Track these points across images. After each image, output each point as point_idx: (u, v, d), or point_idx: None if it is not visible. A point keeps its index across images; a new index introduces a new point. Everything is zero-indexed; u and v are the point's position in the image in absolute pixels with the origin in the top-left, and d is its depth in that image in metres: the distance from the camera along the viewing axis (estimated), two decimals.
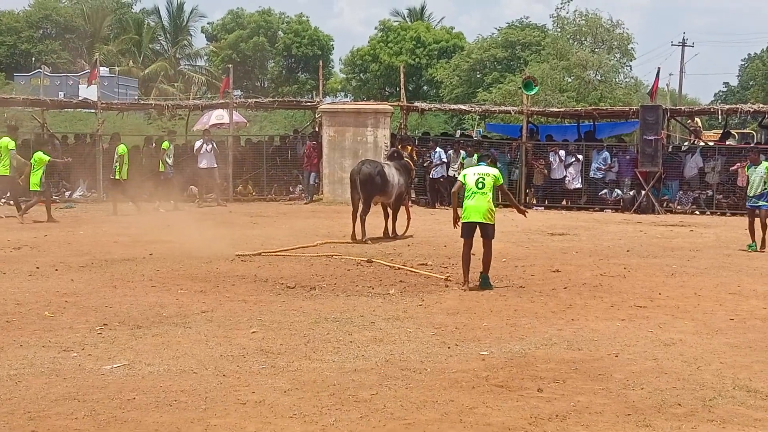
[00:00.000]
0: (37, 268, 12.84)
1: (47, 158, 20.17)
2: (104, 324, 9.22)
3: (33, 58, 61.85)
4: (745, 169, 17.17)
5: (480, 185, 11.54)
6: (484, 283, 11.49)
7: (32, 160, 20.07)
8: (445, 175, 25.54)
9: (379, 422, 6.19)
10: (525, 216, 12.97)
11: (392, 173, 16.98)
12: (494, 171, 11.80)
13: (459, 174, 13.21)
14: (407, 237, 17.12)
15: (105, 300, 10.53)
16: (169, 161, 24.11)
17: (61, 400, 6.62)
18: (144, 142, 28.01)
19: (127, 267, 13.07)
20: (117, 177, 22.40)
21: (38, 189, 20.11)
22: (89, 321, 9.38)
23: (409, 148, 19.43)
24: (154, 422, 6.14)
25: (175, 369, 7.49)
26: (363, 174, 16.52)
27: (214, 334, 8.78)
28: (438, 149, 25.82)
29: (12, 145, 20.34)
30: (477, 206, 11.51)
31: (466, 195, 11.65)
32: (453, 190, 12.25)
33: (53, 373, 7.35)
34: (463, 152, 25.50)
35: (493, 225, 11.62)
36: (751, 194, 16.49)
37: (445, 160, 25.74)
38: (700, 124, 32.53)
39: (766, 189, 16.24)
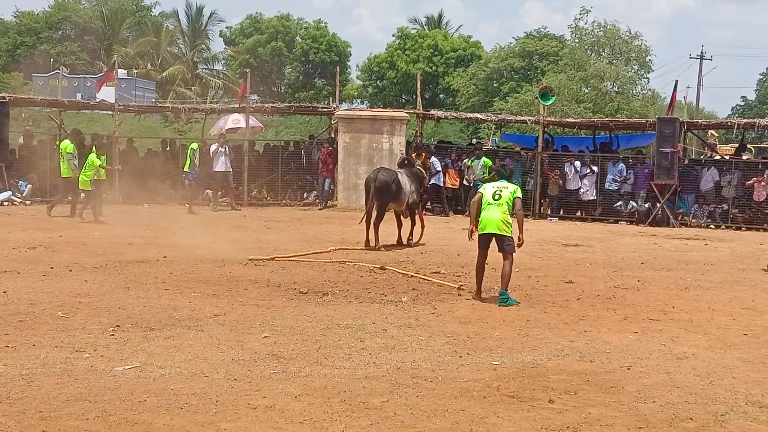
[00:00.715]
0: (51, 268, 12.89)
1: (98, 162, 20.53)
2: (117, 325, 9.24)
3: (51, 59, 62.07)
4: None
5: (496, 197, 11.51)
6: (502, 300, 11.25)
7: (86, 162, 20.57)
8: (439, 184, 25.56)
9: (390, 430, 6.19)
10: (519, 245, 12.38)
11: (405, 181, 16.99)
12: (513, 186, 11.77)
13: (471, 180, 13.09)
14: (420, 245, 17.10)
15: (118, 301, 10.56)
16: (196, 162, 24.22)
17: (73, 400, 6.64)
18: (161, 145, 28.23)
19: (140, 269, 13.11)
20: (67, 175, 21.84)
21: (88, 188, 20.52)
22: (102, 322, 9.41)
23: (423, 155, 19.41)
24: (165, 425, 6.15)
25: (187, 372, 7.50)
26: (379, 182, 16.52)
27: (226, 338, 8.79)
28: (432, 158, 25.56)
29: (71, 148, 21.39)
30: (491, 218, 11.48)
31: (482, 207, 11.63)
32: (472, 201, 12.25)
33: (65, 373, 7.37)
34: (472, 157, 25.61)
35: (511, 238, 11.55)
36: None
37: (439, 169, 25.67)
38: (716, 136, 32.44)
39: None
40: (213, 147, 25.61)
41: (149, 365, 7.69)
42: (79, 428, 6.05)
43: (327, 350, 8.42)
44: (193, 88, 61.12)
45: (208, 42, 72.95)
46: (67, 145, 21.49)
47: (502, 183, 11.80)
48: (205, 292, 11.38)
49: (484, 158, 25.39)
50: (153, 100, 54.99)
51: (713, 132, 34.30)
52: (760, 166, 25.18)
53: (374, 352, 8.40)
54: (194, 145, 24.30)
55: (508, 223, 11.50)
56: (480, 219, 11.64)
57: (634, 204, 25.34)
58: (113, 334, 8.84)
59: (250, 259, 14.30)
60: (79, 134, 23.51)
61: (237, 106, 29.67)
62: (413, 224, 17.45)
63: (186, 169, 24.39)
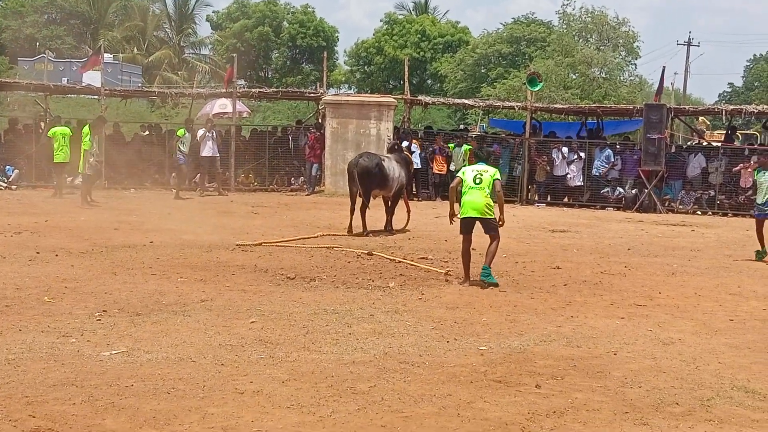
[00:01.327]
0: (38, 253, 12.85)
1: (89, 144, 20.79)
2: (103, 310, 9.22)
3: (37, 43, 61.74)
4: (755, 173, 16.35)
5: (477, 181, 11.50)
6: (484, 275, 11.31)
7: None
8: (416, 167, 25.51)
9: (377, 414, 6.19)
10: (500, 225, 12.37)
11: (392, 166, 16.85)
12: (492, 169, 11.76)
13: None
14: (406, 231, 17.05)
15: (105, 286, 10.54)
16: (184, 149, 23.92)
17: (59, 385, 6.62)
18: (140, 129, 28.35)
19: (127, 254, 13.08)
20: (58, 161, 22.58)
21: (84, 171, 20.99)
22: (88, 307, 9.38)
23: (415, 141, 19.32)
24: (152, 409, 6.14)
25: (174, 357, 7.49)
26: (360, 167, 16.46)
27: (213, 323, 8.78)
28: (405, 142, 25.25)
29: (66, 131, 22.37)
30: (473, 202, 11.47)
31: (463, 191, 11.61)
32: (451, 185, 12.23)
33: (52, 358, 7.35)
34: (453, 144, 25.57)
35: (494, 219, 11.56)
36: (760, 202, 15.48)
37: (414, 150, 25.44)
38: (708, 123, 32.52)
39: None
40: (200, 132, 25.48)
41: (136, 350, 7.67)
42: (65, 413, 6.04)
43: (314, 335, 8.42)
44: (179, 72, 60.84)
45: (195, 26, 72.69)
46: (65, 130, 22.38)
47: (481, 166, 11.78)
48: (191, 277, 11.36)
49: (465, 145, 25.14)
50: (139, 84, 54.75)
51: (704, 119, 34.40)
52: (746, 153, 25.24)
53: (361, 338, 8.40)
54: (180, 132, 24.07)
55: (491, 206, 11.51)
56: (462, 203, 11.63)
57: (621, 190, 25.38)
58: (100, 319, 8.82)
59: (237, 245, 14.28)
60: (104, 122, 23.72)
61: (224, 91, 29.55)
62: (391, 213, 17.24)
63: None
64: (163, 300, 9.88)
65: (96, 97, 29.67)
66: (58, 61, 59.24)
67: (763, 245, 15.31)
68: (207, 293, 10.33)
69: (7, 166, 25.48)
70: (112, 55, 57.08)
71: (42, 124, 26.89)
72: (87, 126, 21.42)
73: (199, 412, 6.12)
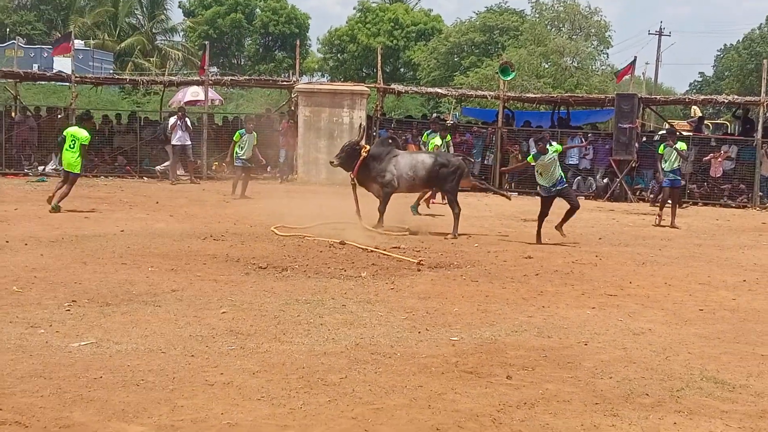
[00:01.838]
0: (7, 242, 12.71)
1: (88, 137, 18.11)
2: (73, 300, 9.14)
3: (7, 29, 61.11)
4: (660, 147, 19.25)
5: None
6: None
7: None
8: None
9: (348, 406, 6.17)
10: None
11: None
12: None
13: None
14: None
15: (74, 276, 10.45)
16: (241, 153, 22.66)
17: (27, 377, 6.56)
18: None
19: (97, 243, 12.96)
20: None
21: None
22: (58, 297, 9.30)
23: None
24: (121, 401, 6.09)
25: (144, 348, 7.43)
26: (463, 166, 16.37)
27: (184, 314, 8.73)
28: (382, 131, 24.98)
29: (80, 135, 18.94)
30: None
31: None
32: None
33: (20, 349, 7.27)
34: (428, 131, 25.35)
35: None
36: (668, 169, 18.62)
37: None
38: (701, 114, 32.65)
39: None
40: (171, 120, 25.36)
41: (105, 341, 7.61)
42: (33, 405, 5.97)
43: (285, 326, 8.39)
44: (151, 59, 60.35)
45: (167, 13, 72.10)
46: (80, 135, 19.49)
47: None
48: (162, 266, 11.28)
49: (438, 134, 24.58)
50: (111, 71, 54.28)
51: (696, 108, 34.50)
52: (713, 142, 25.45)
53: (333, 328, 8.38)
54: (237, 136, 21.99)
55: None
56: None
57: (592, 180, 25.50)
58: (69, 310, 8.75)
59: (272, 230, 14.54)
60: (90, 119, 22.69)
61: (196, 78, 29.39)
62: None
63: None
64: (134, 290, 9.81)
65: (67, 84, 29.38)
66: (29, 48, 58.59)
67: (662, 213, 18.47)
68: (178, 283, 10.27)
69: None
70: (83, 42, 56.51)
71: (12, 113, 26.65)
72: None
73: (168, 404, 6.07)
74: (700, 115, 32.54)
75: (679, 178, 19.02)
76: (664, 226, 18.17)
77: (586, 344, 8.15)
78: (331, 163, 16.06)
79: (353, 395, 6.41)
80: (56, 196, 16.83)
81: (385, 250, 13.25)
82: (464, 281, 11.07)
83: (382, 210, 15.56)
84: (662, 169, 18.68)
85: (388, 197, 15.69)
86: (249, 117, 24.60)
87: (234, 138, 21.71)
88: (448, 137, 22.63)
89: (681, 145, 18.77)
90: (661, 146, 18.95)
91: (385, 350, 7.65)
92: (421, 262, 12.29)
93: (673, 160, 18.44)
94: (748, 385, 7.03)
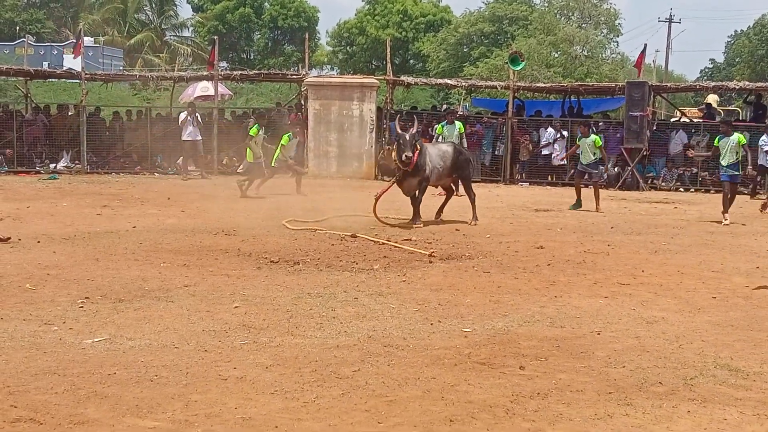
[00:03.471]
0: (19, 239, 12.75)
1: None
2: (86, 297, 9.17)
3: (17, 27, 61.23)
4: (577, 139, 19.69)
5: None
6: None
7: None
8: None
9: (361, 399, 6.18)
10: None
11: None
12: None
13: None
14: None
15: (87, 273, 10.48)
16: (289, 155, 22.50)
17: (41, 374, 6.58)
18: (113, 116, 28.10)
19: (109, 240, 13.00)
20: None
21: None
22: (71, 294, 9.33)
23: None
24: (135, 397, 6.11)
25: (157, 344, 7.45)
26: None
27: (197, 309, 8.75)
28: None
29: (253, 131, 21.02)
30: None
31: None
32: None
33: (33, 346, 7.30)
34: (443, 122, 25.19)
35: None
36: (585, 162, 19.33)
37: None
38: (718, 100, 32.47)
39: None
40: (182, 115, 25.39)
41: (118, 337, 7.63)
42: (47, 402, 6.00)
43: (298, 320, 8.40)
44: (161, 55, 60.41)
45: (176, 9, 72.15)
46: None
47: None
48: (175, 262, 11.30)
49: (458, 123, 24.44)
50: (120, 68, 54.36)
51: (715, 96, 34.30)
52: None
53: (345, 321, 8.39)
54: (285, 139, 21.64)
55: None
56: None
57: (604, 172, 25.40)
58: (82, 307, 8.77)
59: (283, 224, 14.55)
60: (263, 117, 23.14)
61: (206, 73, 29.40)
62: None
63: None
64: (146, 286, 9.83)
65: (77, 81, 29.44)
66: (39, 46, 58.76)
67: (579, 197, 19.14)
68: (190, 278, 10.29)
69: None
70: (92, 39, 56.61)
71: (24, 111, 26.72)
72: None
73: (182, 400, 6.09)
74: (718, 101, 32.33)
75: (738, 173, 17.28)
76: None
77: (598, 334, 8.13)
78: (402, 161, 15.14)
79: (366, 388, 6.41)
80: None
81: (396, 242, 13.24)
82: (476, 272, 11.06)
83: (418, 203, 15.55)
84: (720, 164, 17.43)
85: (425, 190, 15.74)
86: (294, 122, 24.54)
87: (282, 142, 21.47)
88: (462, 128, 22.61)
89: (740, 138, 17.13)
90: (716, 138, 17.50)
91: (397, 342, 7.65)
92: (433, 253, 12.29)
93: (729, 152, 16.98)
94: (762, 372, 7.01)
